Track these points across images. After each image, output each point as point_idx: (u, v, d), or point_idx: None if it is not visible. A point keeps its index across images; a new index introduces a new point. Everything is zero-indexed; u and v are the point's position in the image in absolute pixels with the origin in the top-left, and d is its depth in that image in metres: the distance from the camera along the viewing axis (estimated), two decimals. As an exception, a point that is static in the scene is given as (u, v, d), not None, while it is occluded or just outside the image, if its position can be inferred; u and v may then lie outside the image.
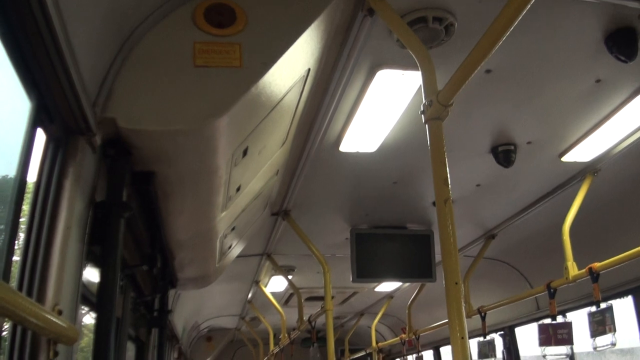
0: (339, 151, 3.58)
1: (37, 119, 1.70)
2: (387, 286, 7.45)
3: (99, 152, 2.08)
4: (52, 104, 1.72)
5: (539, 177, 4.16)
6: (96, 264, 2.32)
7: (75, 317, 1.98)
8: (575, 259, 4.10)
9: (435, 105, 1.99)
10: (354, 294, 8.03)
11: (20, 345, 1.62)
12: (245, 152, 2.62)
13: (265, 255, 5.89)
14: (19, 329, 1.63)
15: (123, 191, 2.20)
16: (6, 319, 1.63)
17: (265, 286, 7.19)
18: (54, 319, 1.58)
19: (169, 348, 6.52)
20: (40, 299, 1.70)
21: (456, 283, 1.88)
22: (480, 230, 5.35)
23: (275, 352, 8.06)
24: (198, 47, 2.11)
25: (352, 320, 10.07)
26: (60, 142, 1.89)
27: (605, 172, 3.96)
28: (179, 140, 2.13)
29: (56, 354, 1.70)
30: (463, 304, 1.91)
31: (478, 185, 4.29)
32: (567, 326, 4.36)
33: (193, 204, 2.91)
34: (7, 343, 1.67)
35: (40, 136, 1.79)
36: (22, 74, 1.56)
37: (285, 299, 8.10)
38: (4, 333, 1.71)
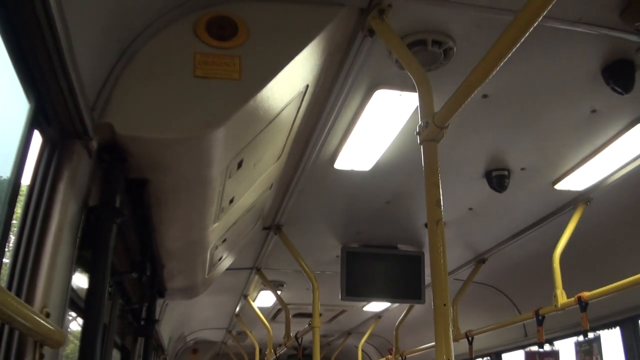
0: (334, 168, 3.60)
1: (35, 121, 1.71)
2: (375, 306, 7.44)
3: (94, 157, 2.09)
4: (50, 107, 1.73)
5: (532, 203, 4.18)
6: (86, 268, 2.32)
7: (62, 321, 1.97)
8: (565, 287, 4.11)
9: (431, 127, 2.01)
10: (342, 312, 8.01)
11: (6, 346, 1.62)
12: (240, 165, 2.63)
13: (255, 269, 5.87)
14: (6, 329, 1.63)
15: (117, 197, 2.20)
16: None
17: (254, 300, 7.17)
18: (42, 321, 1.58)
19: (154, 358, 6.47)
20: (29, 300, 1.70)
21: (444, 305, 1.89)
22: (471, 254, 5.36)
23: (260, 367, 8.02)
24: (198, 58, 2.12)
25: (339, 339, 10.04)
26: (57, 145, 1.89)
27: (598, 201, 3.99)
28: (174, 149, 2.14)
29: (42, 356, 1.70)
30: (451, 326, 1.91)
31: (470, 209, 4.31)
32: (554, 354, 4.37)
33: (185, 214, 2.91)
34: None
35: (37, 138, 1.80)
36: (22, 74, 1.57)
37: (273, 314, 8.08)
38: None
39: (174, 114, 2.05)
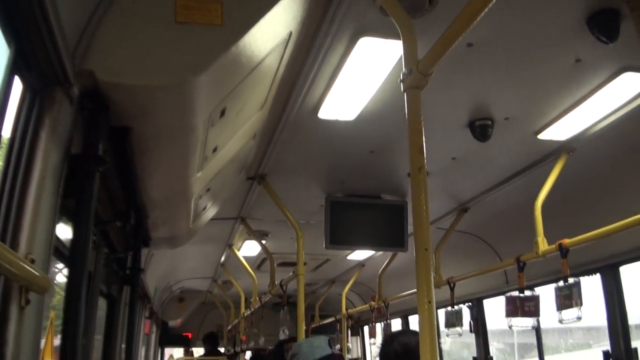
0: (318, 118, 3.59)
1: (15, 67, 1.69)
2: (359, 255, 7.53)
3: (76, 104, 2.07)
4: (30, 52, 1.70)
5: (515, 153, 4.21)
6: (70, 217, 2.32)
7: (47, 268, 1.99)
8: (546, 236, 4.17)
9: (415, 74, 2.00)
10: (326, 261, 8.11)
11: (-9, 291, 1.63)
12: (223, 113, 2.62)
13: (240, 219, 5.90)
14: (-10, 274, 1.64)
15: (99, 145, 2.19)
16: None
17: (239, 250, 7.22)
18: (27, 267, 1.59)
19: (140, 307, 6.54)
20: (13, 247, 1.71)
21: (426, 249, 1.92)
22: (453, 203, 5.42)
23: (246, 314, 8.12)
24: (180, 3, 2.09)
25: (324, 287, 10.18)
26: (37, 92, 1.87)
27: (581, 151, 4.02)
28: (157, 95, 2.13)
29: (28, 301, 1.72)
30: (432, 273, 1.94)
31: (454, 158, 4.33)
32: (534, 299, 4.45)
33: (169, 162, 2.91)
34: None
35: (18, 85, 1.78)
36: (2, 17, 1.55)
37: (258, 263, 8.16)
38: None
39: (155, 61, 2.03)
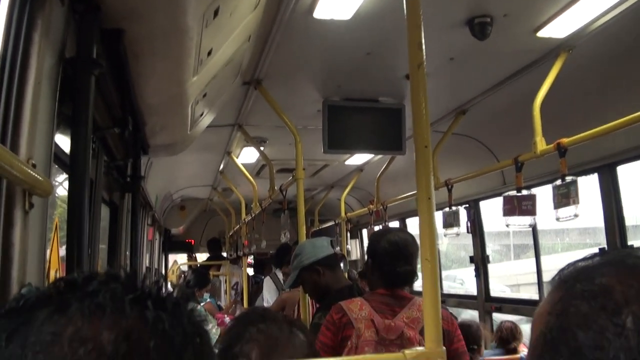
0: (313, 18, 3.50)
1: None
2: (357, 159, 7.56)
3: (67, 5, 2.02)
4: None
5: (514, 52, 4.15)
6: (68, 124, 2.32)
7: (49, 173, 2.00)
8: (545, 136, 4.17)
9: (413, -33, 1.95)
10: (325, 166, 8.15)
11: (-5, 195, 1.65)
12: (216, 13, 2.56)
13: (237, 125, 5.88)
14: (-7, 178, 1.65)
15: (93, 48, 2.16)
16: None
17: (237, 157, 7.24)
18: (29, 170, 1.60)
19: (143, 214, 6.64)
20: (14, 152, 1.71)
21: (426, 146, 1.92)
22: (451, 105, 5.39)
23: (247, 220, 8.25)
24: None
25: (322, 192, 10.29)
26: (27, -7, 1.83)
27: (580, 49, 3.96)
28: (148, -6, 2.08)
29: (31, 205, 1.74)
30: (432, 174, 1.96)
31: (452, 59, 4.27)
32: (532, 198, 4.51)
33: (164, 66, 2.87)
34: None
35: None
36: None
37: (257, 170, 8.20)
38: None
39: (145, -43, 1.97)
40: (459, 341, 2.96)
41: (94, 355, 0.59)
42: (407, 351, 1.73)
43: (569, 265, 0.92)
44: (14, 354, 0.60)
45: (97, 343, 0.60)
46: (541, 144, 4.16)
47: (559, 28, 3.74)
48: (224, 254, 11.82)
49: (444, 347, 1.78)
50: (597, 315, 0.80)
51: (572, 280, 0.88)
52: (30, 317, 0.63)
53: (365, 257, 3.07)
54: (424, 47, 1.95)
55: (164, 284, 0.70)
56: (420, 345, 2.63)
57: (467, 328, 5.06)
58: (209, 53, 3.04)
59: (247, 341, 1.69)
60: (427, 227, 1.88)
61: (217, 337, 6.51)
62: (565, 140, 3.95)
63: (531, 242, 6.09)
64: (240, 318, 1.86)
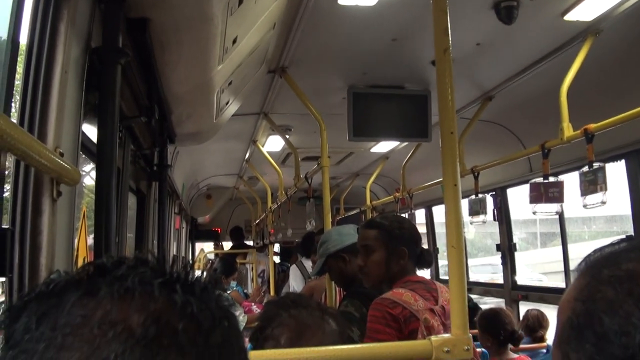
0: (338, 4, 3.48)
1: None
2: (382, 147, 7.53)
3: (92, -6, 2.04)
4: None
5: (540, 36, 4.09)
6: (95, 114, 2.34)
7: (76, 161, 2.02)
8: (572, 122, 4.12)
9: (439, -49, 1.92)
10: (350, 154, 8.13)
11: (24, 183, 1.68)
12: (241, 1, 2.56)
13: (262, 114, 5.89)
14: (21, 166, 1.68)
15: (119, 37, 2.18)
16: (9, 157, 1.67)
17: (263, 146, 7.26)
18: (57, 159, 1.62)
19: (169, 203, 6.70)
20: (41, 140, 1.73)
21: (452, 133, 1.91)
22: (478, 91, 5.34)
23: (272, 208, 8.28)
24: None
25: (347, 180, 10.28)
26: (52, -17, 1.84)
27: (607, 33, 3.89)
28: (173, -17, 2.08)
29: (59, 193, 1.76)
30: (458, 161, 1.94)
31: (478, 44, 4.22)
32: (559, 185, 4.46)
33: (189, 55, 2.88)
34: (10, 181, 1.72)
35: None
36: None
37: (283, 158, 8.21)
38: (7, 172, 1.76)
39: (169, -54, 1.97)
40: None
41: (123, 337, 0.60)
42: (433, 338, 1.73)
43: (595, 251, 0.91)
44: (44, 336, 0.61)
45: (127, 325, 0.61)
46: (568, 130, 4.10)
47: (586, 11, 3.66)
48: (249, 242, 11.89)
49: (470, 335, 1.77)
50: (624, 301, 0.79)
51: (598, 266, 0.87)
52: (60, 301, 0.64)
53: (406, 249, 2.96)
54: (449, 32, 1.93)
55: (191, 269, 0.70)
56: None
57: (534, 317, 5.09)
58: (234, 41, 3.04)
59: (278, 325, 1.72)
60: (453, 214, 1.87)
61: (243, 324, 6.58)
62: (592, 126, 3.89)
63: (558, 230, 6.02)
64: (274, 302, 1.89)
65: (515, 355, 4.10)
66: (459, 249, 1.85)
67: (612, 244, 0.91)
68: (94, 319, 0.61)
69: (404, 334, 2.65)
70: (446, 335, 1.79)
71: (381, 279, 2.94)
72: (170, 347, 0.61)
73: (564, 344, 0.87)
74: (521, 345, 4.94)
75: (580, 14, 3.71)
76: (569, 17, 3.73)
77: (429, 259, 3.01)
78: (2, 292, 1.74)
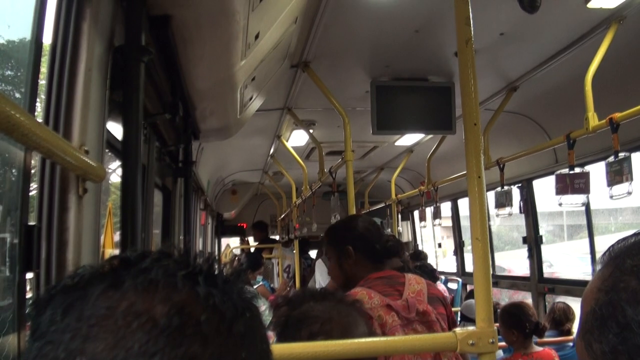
0: (359, -3, 3.48)
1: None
2: (406, 140, 7.51)
3: (114, -8, 2.06)
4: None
5: (564, 25, 4.04)
6: (119, 112, 2.36)
7: (101, 159, 2.05)
8: (596, 111, 4.06)
9: (460, -60, 1.91)
10: (374, 148, 8.12)
11: (50, 181, 1.70)
12: (262, -4, 2.57)
13: (286, 109, 5.90)
14: (47, 164, 1.70)
15: (141, 35, 2.20)
16: (34, 154, 1.70)
17: (287, 141, 7.27)
18: (82, 156, 1.64)
19: (195, 199, 6.75)
20: (67, 139, 1.76)
21: (475, 124, 1.90)
22: (502, 82, 5.29)
23: (297, 203, 8.30)
24: None
25: (372, 174, 10.27)
26: (75, -17, 1.87)
27: (631, 19, 3.83)
28: (194, -21, 2.09)
29: (85, 190, 1.79)
30: (482, 153, 1.93)
31: (502, 34, 4.18)
32: (585, 176, 4.40)
33: (212, 51, 2.89)
34: (37, 179, 1.75)
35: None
36: None
37: (307, 153, 8.22)
38: (33, 171, 1.79)
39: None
40: (451, 307, 2.89)
41: (147, 327, 0.61)
42: (458, 330, 1.72)
43: (619, 241, 0.90)
44: (70, 327, 0.62)
45: (150, 316, 0.62)
46: (593, 120, 4.05)
47: (610, -3, 3.62)
48: (276, 237, 11.94)
49: (495, 328, 1.76)
50: None
51: (622, 256, 0.86)
52: (85, 293, 0.65)
53: (352, 248, 2.91)
54: (472, 22, 1.92)
55: (214, 262, 0.71)
56: (435, 317, 2.59)
57: (561, 310, 5.07)
58: (257, 36, 3.05)
59: (305, 316, 1.71)
60: (477, 206, 1.86)
61: (269, 318, 6.62)
62: (617, 115, 3.83)
63: (584, 222, 5.95)
64: (300, 294, 1.88)
65: (540, 349, 4.06)
66: (484, 242, 1.84)
67: (636, 234, 0.90)
68: (119, 310, 0.62)
69: None
70: (471, 328, 1.78)
71: (343, 282, 2.91)
72: (194, 337, 0.62)
73: (587, 334, 0.86)
74: (548, 339, 4.91)
75: (603, 1, 3.65)
76: (592, 4, 3.68)
77: (390, 249, 2.99)
78: (31, 289, 1.77)
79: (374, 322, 2.59)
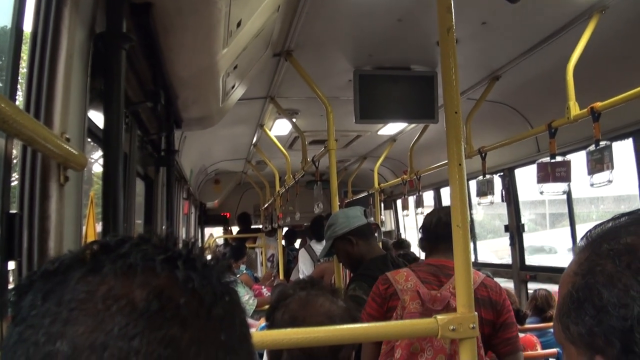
0: (342, -15, 3.47)
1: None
2: (389, 129, 7.53)
3: (95, -20, 2.04)
4: None
5: (546, 14, 4.05)
6: (101, 99, 2.35)
7: (83, 147, 2.04)
8: (578, 101, 4.10)
9: None
10: (357, 137, 8.13)
11: (31, 169, 1.69)
12: (244, -17, 2.56)
13: (269, 98, 5.89)
14: (28, 152, 1.69)
15: (122, 22, 2.18)
16: (15, 142, 1.69)
17: (270, 130, 7.26)
18: (63, 144, 1.63)
19: (178, 188, 6.72)
20: (47, 126, 1.75)
21: (456, 112, 1.91)
22: (484, 71, 5.31)
23: (281, 192, 8.30)
24: None
25: (355, 163, 10.29)
26: (55, -32, 1.85)
27: (613, 10, 3.85)
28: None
29: (67, 178, 1.78)
30: (463, 142, 1.95)
31: (484, 23, 4.19)
32: (566, 164, 4.45)
33: (193, 38, 2.88)
34: (17, 168, 1.74)
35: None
36: None
37: (290, 142, 8.22)
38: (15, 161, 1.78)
39: None
40: (508, 312, 2.88)
41: (126, 310, 0.62)
42: (439, 316, 1.74)
43: (596, 226, 0.92)
44: (50, 311, 0.63)
45: (130, 300, 0.63)
46: (574, 109, 4.08)
47: (592, -15, 3.64)
48: (259, 227, 11.93)
49: (475, 313, 1.78)
50: (622, 274, 0.80)
51: (599, 240, 0.88)
52: (65, 278, 0.66)
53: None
54: (453, 10, 1.93)
55: (194, 246, 0.72)
56: None
57: (543, 297, 5.11)
58: (239, 24, 3.03)
59: (289, 304, 1.78)
60: (458, 193, 1.87)
61: (253, 307, 6.61)
62: (598, 104, 3.87)
63: (566, 210, 6.01)
64: (289, 285, 2.00)
65: (522, 335, 4.11)
66: (464, 229, 1.85)
67: (613, 219, 0.92)
68: (98, 294, 0.63)
69: (383, 309, 2.82)
70: (451, 314, 1.80)
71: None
72: (173, 320, 0.63)
73: (564, 316, 0.88)
74: (530, 325, 4.97)
75: (586, -9, 3.68)
76: (574, -6, 3.71)
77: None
78: (13, 278, 1.77)
79: (400, 303, 2.74)
